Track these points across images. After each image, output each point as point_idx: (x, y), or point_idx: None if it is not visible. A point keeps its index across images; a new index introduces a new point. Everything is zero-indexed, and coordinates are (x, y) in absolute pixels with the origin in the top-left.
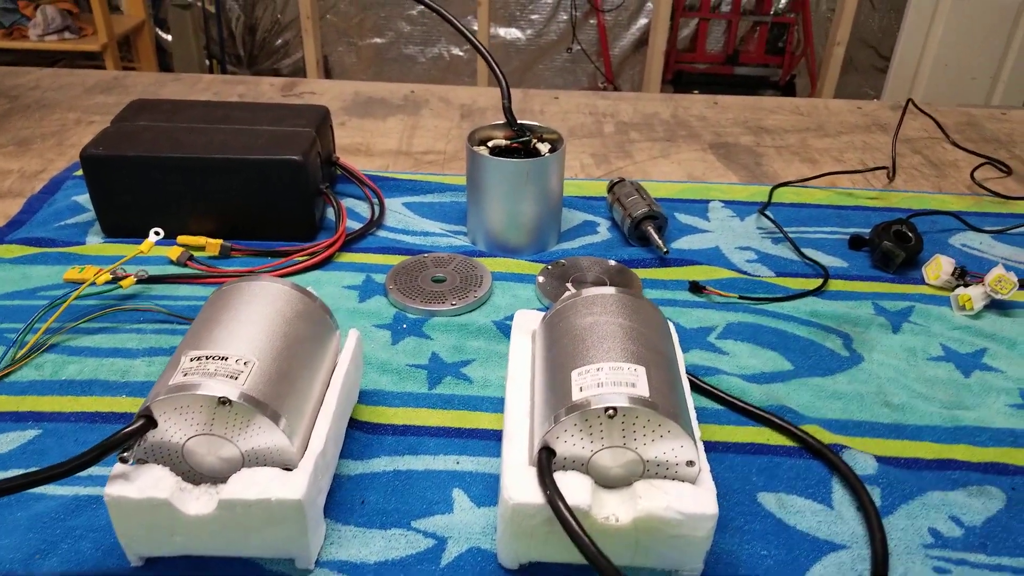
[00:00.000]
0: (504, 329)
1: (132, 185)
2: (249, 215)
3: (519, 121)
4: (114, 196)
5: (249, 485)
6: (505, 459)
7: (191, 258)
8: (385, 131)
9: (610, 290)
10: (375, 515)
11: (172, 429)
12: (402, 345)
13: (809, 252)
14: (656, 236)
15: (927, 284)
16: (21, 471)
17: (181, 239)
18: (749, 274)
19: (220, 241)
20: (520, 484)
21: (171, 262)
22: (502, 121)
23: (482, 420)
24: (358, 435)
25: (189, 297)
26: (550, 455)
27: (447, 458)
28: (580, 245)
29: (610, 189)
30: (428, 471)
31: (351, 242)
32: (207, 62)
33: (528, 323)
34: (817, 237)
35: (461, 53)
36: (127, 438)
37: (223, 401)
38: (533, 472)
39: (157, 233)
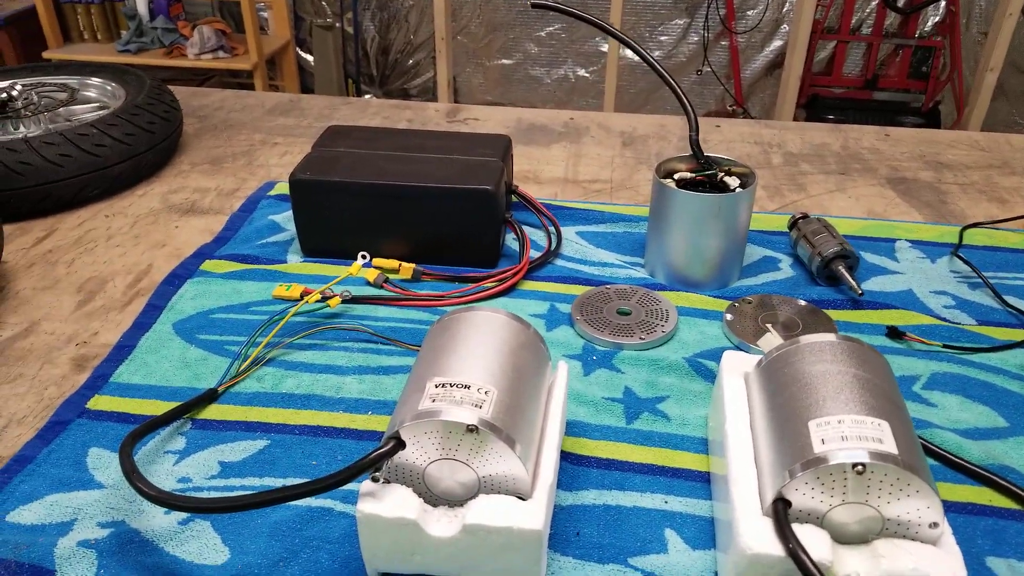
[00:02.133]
0: (696, 366)
1: (334, 208)
2: (439, 240)
3: (706, 154)
4: (317, 218)
5: (491, 512)
6: (737, 506)
7: (387, 280)
8: (550, 159)
9: (834, 337)
10: (591, 549)
11: (418, 452)
12: (594, 377)
13: (1011, 300)
14: (849, 276)
15: None
16: (257, 479)
17: (376, 262)
18: (948, 321)
19: (413, 265)
20: (757, 534)
21: (368, 283)
22: (687, 153)
23: (685, 460)
24: (565, 465)
25: (388, 318)
26: (786, 506)
27: (655, 496)
28: (763, 282)
29: (793, 225)
30: (637, 508)
31: (533, 270)
32: (344, 82)
33: (738, 365)
34: (1017, 284)
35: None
36: (380, 459)
37: (471, 428)
38: (767, 522)
39: (363, 257)
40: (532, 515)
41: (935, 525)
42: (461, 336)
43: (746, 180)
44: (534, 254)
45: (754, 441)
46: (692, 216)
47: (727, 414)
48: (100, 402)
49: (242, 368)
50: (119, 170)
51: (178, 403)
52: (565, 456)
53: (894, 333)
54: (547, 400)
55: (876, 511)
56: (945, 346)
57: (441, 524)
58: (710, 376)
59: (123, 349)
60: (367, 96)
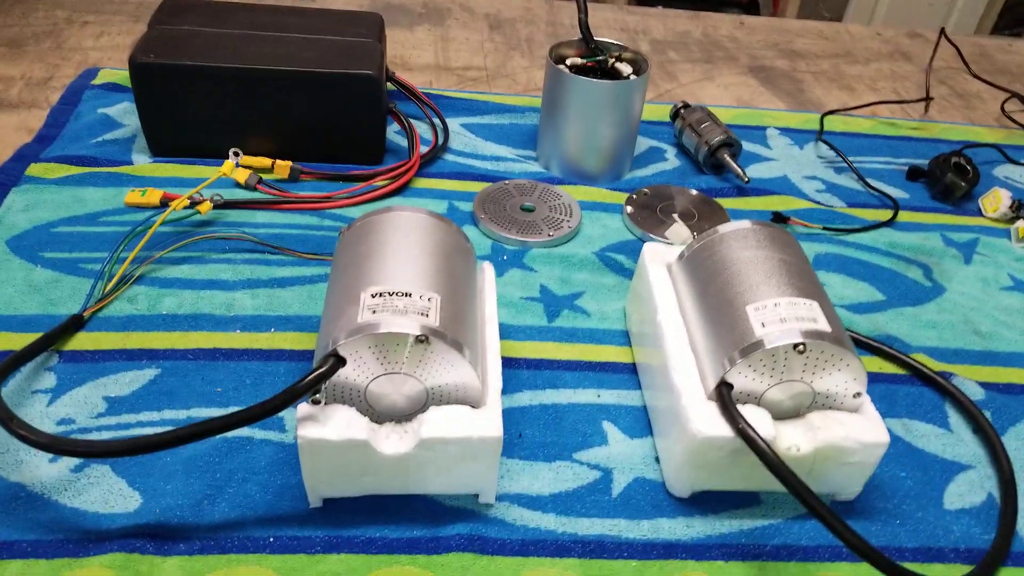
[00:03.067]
0: (605, 260)
1: (188, 98)
2: (315, 134)
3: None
4: (166, 110)
5: (448, 424)
6: (681, 393)
7: (260, 181)
8: (416, 42)
9: (749, 223)
10: (536, 448)
11: (359, 369)
12: (509, 277)
13: (872, 182)
14: (734, 164)
15: (984, 216)
16: (155, 414)
17: (246, 160)
18: (822, 204)
19: (289, 163)
20: (705, 418)
21: (239, 185)
22: (570, 38)
23: (610, 353)
24: None
25: (269, 224)
26: (729, 389)
27: (587, 391)
28: (653, 173)
29: (675, 115)
30: (573, 404)
31: (423, 166)
32: None
33: (659, 255)
34: (873, 167)
35: None
36: (319, 380)
37: (421, 339)
38: (712, 406)
39: (236, 154)
40: (489, 423)
41: (858, 395)
42: (387, 240)
43: (638, 67)
44: (422, 149)
45: (688, 329)
46: (589, 104)
47: (658, 304)
48: None
49: (107, 289)
50: None
51: (37, 334)
52: None
53: (779, 218)
54: (480, 300)
55: (808, 387)
56: (824, 228)
57: (392, 441)
58: (620, 269)
59: None
60: None
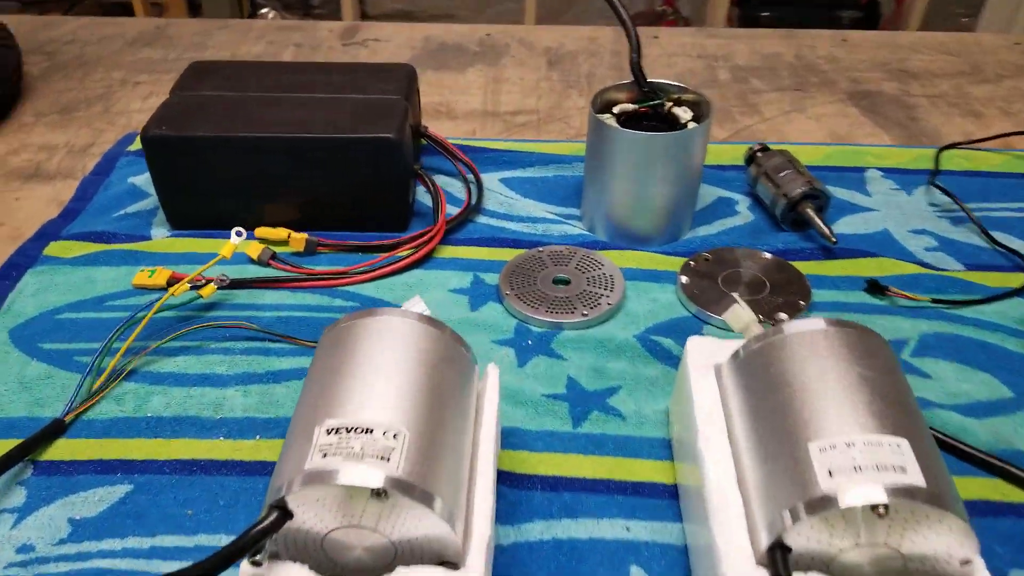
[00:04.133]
0: (649, 346)
1: (202, 170)
2: (335, 202)
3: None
4: (181, 183)
5: None
6: (721, 550)
7: (274, 256)
8: (466, 86)
9: (823, 323)
10: None
11: (311, 521)
12: (531, 367)
13: (999, 236)
14: (820, 221)
15: None
16: (118, 542)
17: (260, 232)
18: (932, 267)
19: (305, 236)
20: None
21: (251, 261)
22: (627, 80)
23: (646, 470)
24: (502, 490)
25: (277, 306)
26: (786, 553)
27: (614, 522)
28: (719, 230)
29: (750, 159)
30: (595, 540)
31: (451, 231)
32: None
33: (707, 354)
34: (1003, 215)
35: None
36: (260, 537)
37: (377, 492)
38: (761, 573)
39: (239, 234)
40: None
41: (967, 562)
42: (358, 354)
43: (699, 110)
44: (451, 211)
45: (735, 455)
46: (637, 158)
47: (698, 422)
48: None
49: (96, 387)
50: None
51: (18, 440)
52: (502, 478)
53: (875, 288)
54: (476, 417)
55: (897, 552)
56: (934, 300)
57: None
58: (666, 357)
59: None
60: (265, 11)
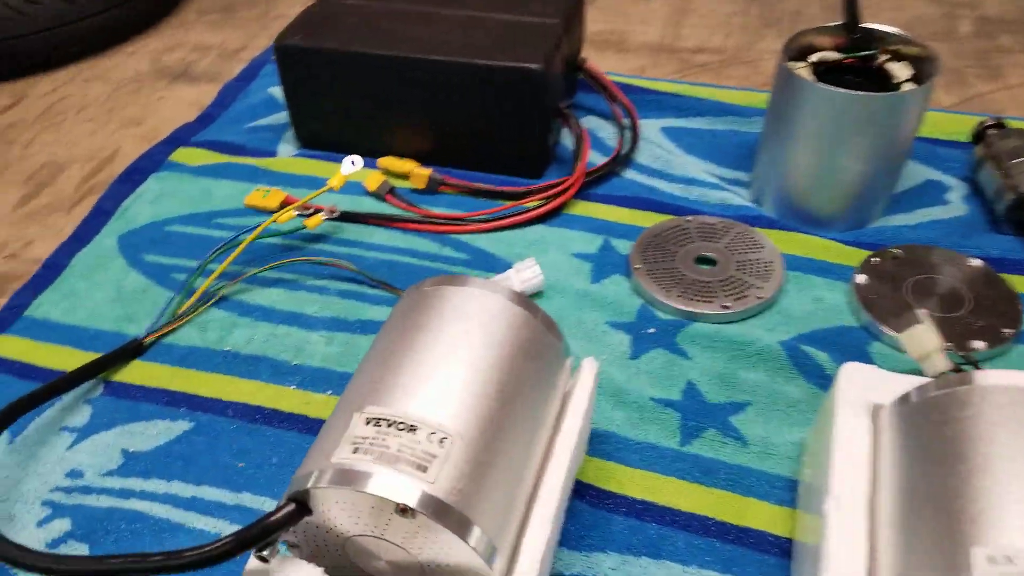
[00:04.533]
0: (797, 358)
1: (332, 86)
2: (466, 137)
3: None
4: (311, 97)
5: None
6: None
7: (392, 191)
8: (646, 15)
9: None
10: None
11: (333, 521)
12: (646, 361)
13: None
14: None
15: None
16: (163, 483)
17: (383, 162)
18: None
19: (429, 172)
20: None
21: (367, 193)
22: (832, 23)
23: (760, 515)
24: (578, 505)
25: (384, 247)
26: None
27: (703, 574)
28: (919, 222)
29: (978, 137)
30: None
31: (589, 185)
32: None
33: (866, 387)
34: None
35: None
36: (271, 531)
37: (403, 510)
38: None
39: (353, 163)
40: None
41: None
42: (426, 330)
43: (921, 68)
44: (595, 160)
45: (873, 529)
46: (830, 121)
47: (834, 477)
48: (4, 345)
49: (182, 310)
50: (101, 21)
51: (96, 355)
52: (582, 490)
53: None
54: (557, 423)
55: None
56: None
57: None
58: (816, 375)
59: (51, 269)
60: None
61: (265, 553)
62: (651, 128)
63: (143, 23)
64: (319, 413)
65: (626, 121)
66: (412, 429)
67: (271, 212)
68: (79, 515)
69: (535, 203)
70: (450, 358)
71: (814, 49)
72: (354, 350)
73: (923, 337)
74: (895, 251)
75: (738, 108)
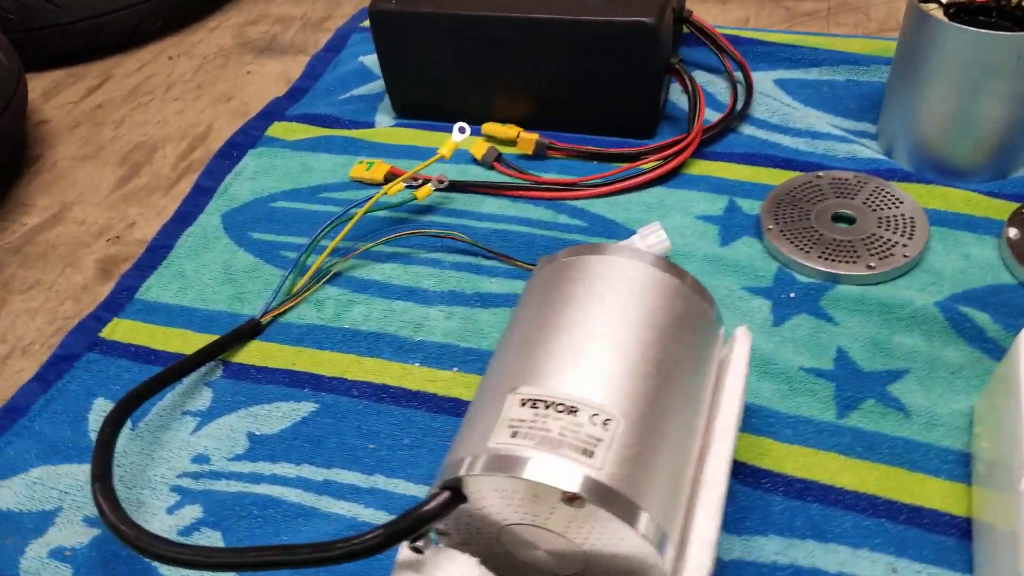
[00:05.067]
0: (955, 320)
1: (430, 51)
2: (574, 98)
3: None
4: (407, 64)
5: None
6: None
7: (498, 158)
8: None
9: None
10: None
11: (488, 509)
12: (790, 327)
13: None
14: None
15: None
16: (292, 468)
17: (487, 128)
18: None
19: (536, 136)
20: None
21: (474, 161)
22: None
23: (931, 491)
24: (732, 487)
25: (495, 217)
26: None
27: (876, 558)
28: None
29: None
30: None
31: (705, 144)
32: None
33: None
34: None
35: None
36: (425, 521)
37: (571, 498)
38: None
39: (462, 130)
40: None
41: None
42: (573, 303)
43: None
44: (710, 117)
45: None
46: (968, 64)
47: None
48: (118, 329)
49: (297, 288)
50: None
51: (212, 336)
52: (734, 470)
53: None
54: (715, 398)
55: None
56: None
57: None
58: (979, 338)
59: (157, 251)
60: None
61: (420, 544)
62: (764, 81)
63: None
64: (447, 391)
65: (738, 75)
66: (573, 411)
67: (376, 185)
68: (209, 501)
69: (652, 164)
70: (603, 333)
71: None
72: (475, 325)
73: None
74: None
75: (855, 56)
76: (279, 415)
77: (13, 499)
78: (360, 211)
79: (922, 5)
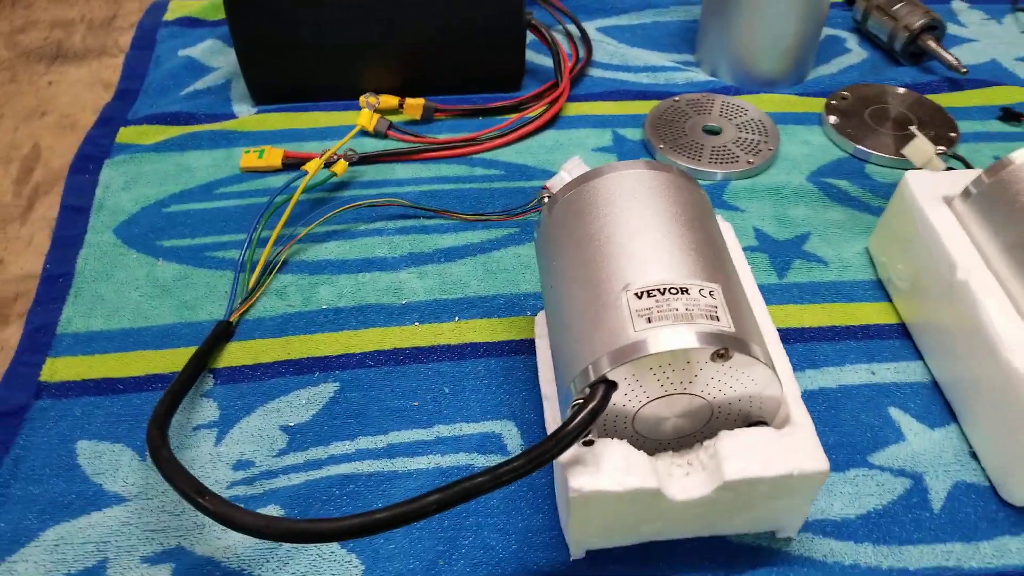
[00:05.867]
0: (825, 189)
1: (292, 29)
2: (441, 61)
3: None
4: (267, 46)
5: (758, 459)
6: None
7: (391, 127)
8: None
9: None
10: None
11: (632, 394)
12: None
13: None
14: (946, 53)
15: None
16: (349, 444)
17: (365, 100)
18: None
19: (422, 101)
20: None
21: (365, 133)
22: None
23: (868, 313)
24: None
25: (414, 179)
26: None
27: (857, 368)
28: (839, 69)
29: None
30: (845, 388)
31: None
32: None
33: (931, 190)
34: None
35: None
36: (592, 417)
37: (720, 353)
38: None
39: (372, 103)
40: (810, 452)
41: None
42: (625, 214)
43: None
44: (551, 67)
45: (1005, 288)
46: None
47: (954, 257)
48: (59, 369)
49: (251, 284)
50: None
51: (179, 350)
52: None
53: (1009, 115)
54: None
55: None
56: None
57: (683, 485)
58: (844, 199)
59: (56, 281)
60: None
61: (591, 437)
62: (590, 30)
63: None
64: (459, 338)
65: (570, 26)
66: (684, 290)
67: (274, 171)
68: (282, 498)
69: (537, 112)
70: (659, 228)
71: None
72: (451, 277)
73: (922, 148)
74: (844, 93)
75: (653, 0)
76: (302, 402)
77: (40, 571)
78: (295, 194)
79: None
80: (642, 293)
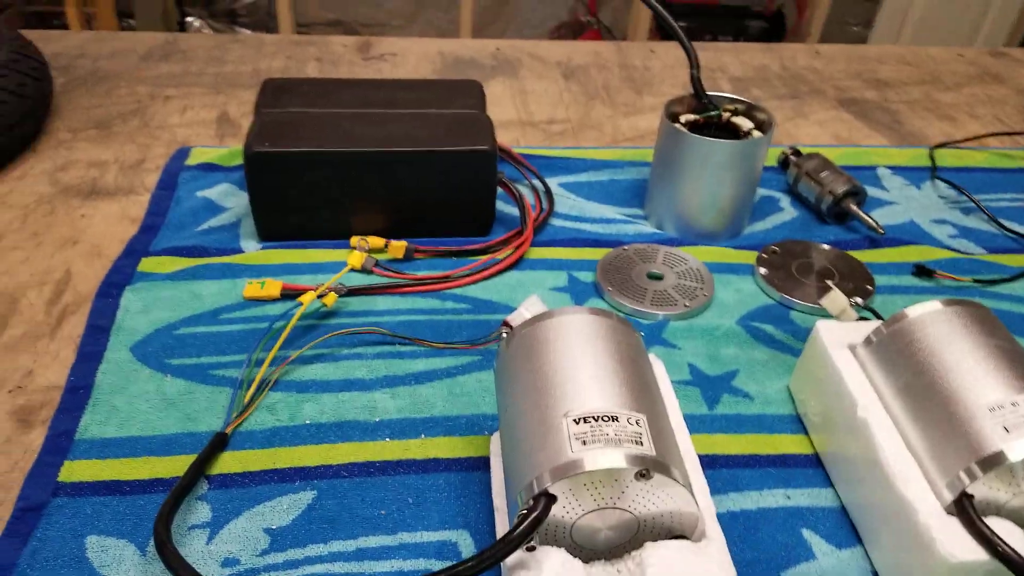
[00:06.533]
0: (753, 332)
1: (302, 184)
2: (425, 210)
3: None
4: (278, 196)
5: (679, 569)
6: (918, 507)
7: (376, 264)
8: (496, 98)
9: (940, 304)
10: (741, 567)
11: (568, 506)
12: (652, 357)
13: (1006, 223)
14: (866, 216)
15: None
16: (322, 547)
17: (356, 241)
18: (961, 251)
19: (404, 243)
20: (953, 539)
21: (354, 269)
22: (684, 92)
23: (785, 443)
24: None
25: (392, 311)
26: (971, 500)
27: (774, 492)
28: (773, 226)
29: (785, 163)
30: (763, 510)
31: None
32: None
33: (838, 337)
34: (1002, 205)
35: None
36: (535, 525)
37: (642, 474)
38: (957, 523)
39: (363, 245)
40: (721, 563)
41: None
42: (568, 352)
43: (757, 120)
44: (516, 216)
45: (896, 424)
46: (710, 164)
47: (856, 397)
48: (76, 470)
49: (247, 399)
50: None
51: (180, 457)
52: None
53: (922, 271)
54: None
55: None
56: (975, 280)
57: None
58: (770, 341)
59: (78, 392)
60: (191, 19)
61: (534, 544)
62: (553, 185)
63: (21, 146)
64: (424, 454)
65: (535, 182)
66: (615, 418)
67: (274, 300)
68: None
69: (504, 255)
70: (597, 365)
71: (678, 114)
72: (420, 399)
73: (838, 299)
74: (774, 247)
75: (608, 162)
76: (284, 508)
77: None
78: (291, 321)
79: (676, 126)
80: (580, 419)
